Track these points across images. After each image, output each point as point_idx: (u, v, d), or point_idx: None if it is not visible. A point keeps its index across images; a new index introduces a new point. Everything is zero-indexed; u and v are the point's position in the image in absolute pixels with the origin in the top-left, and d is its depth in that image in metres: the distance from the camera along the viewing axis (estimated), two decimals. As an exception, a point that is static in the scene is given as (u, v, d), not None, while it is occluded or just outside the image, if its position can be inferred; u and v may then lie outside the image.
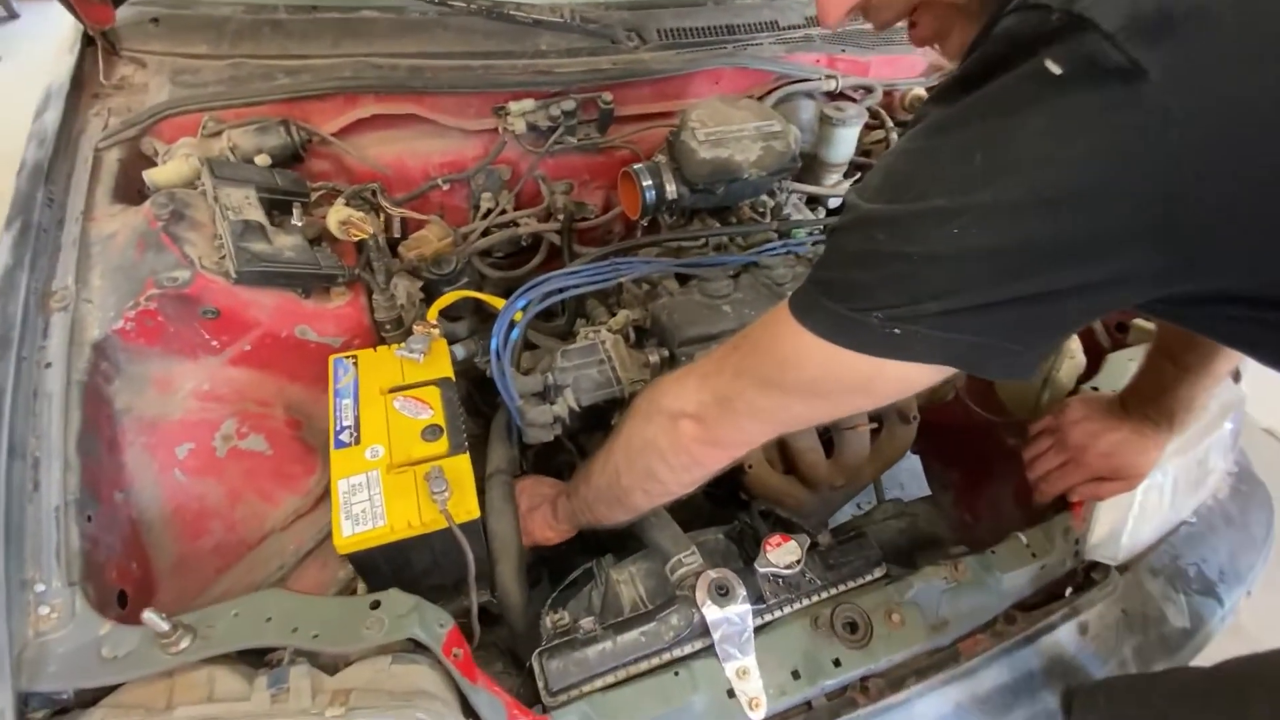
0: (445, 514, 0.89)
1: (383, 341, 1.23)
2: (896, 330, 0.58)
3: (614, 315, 1.29)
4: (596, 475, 0.98)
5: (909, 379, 0.63)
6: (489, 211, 1.48)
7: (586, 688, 0.87)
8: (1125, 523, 1.15)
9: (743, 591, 0.92)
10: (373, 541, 0.89)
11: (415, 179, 1.48)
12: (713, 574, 0.93)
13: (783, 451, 1.31)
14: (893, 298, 0.57)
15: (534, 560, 1.44)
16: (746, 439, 0.82)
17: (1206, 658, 1.12)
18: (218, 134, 1.26)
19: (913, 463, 1.95)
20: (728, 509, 1.45)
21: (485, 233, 1.48)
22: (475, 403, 1.48)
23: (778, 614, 0.97)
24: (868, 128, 1.72)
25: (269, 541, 1.13)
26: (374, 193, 1.35)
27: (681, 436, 0.81)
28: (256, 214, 1.13)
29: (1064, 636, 1.06)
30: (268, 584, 1.10)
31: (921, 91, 1.73)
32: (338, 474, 0.95)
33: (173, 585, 1.05)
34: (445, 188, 1.49)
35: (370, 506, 0.91)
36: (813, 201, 1.65)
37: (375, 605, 0.83)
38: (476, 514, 0.94)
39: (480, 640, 1.35)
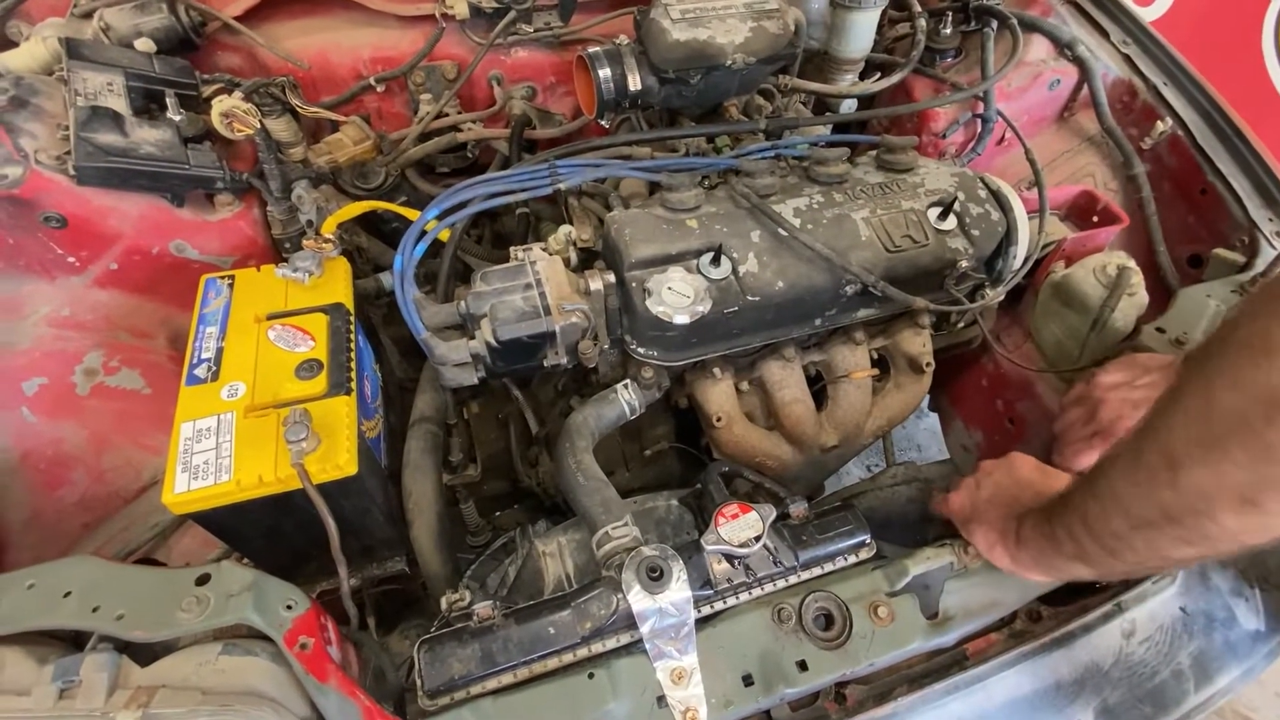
0: (298, 468, 0.70)
1: (284, 262, 1.03)
2: None
3: (566, 236, 1.07)
4: (1119, 475, 0.60)
5: None
6: (426, 115, 1.25)
7: (475, 689, 0.69)
8: (1191, 499, 0.91)
9: (682, 574, 0.72)
10: (212, 501, 0.72)
11: (343, 78, 1.26)
12: (646, 551, 0.73)
13: (765, 402, 1.09)
14: None
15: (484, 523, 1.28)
16: None
17: (1284, 666, 0.90)
18: (90, 14, 1.06)
19: (933, 420, 1.71)
20: (700, 468, 1.25)
21: (422, 141, 1.25)
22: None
23: (730, 602, 0.77)
24: (890, 21, 1.43)
25: (148, 495, 0.97)
26: (283, 88, 1.13)
27: None
28: (117, 103, 0.93)
29: (1104, 640, 0.84)
30: (142, 544, 0.94)
31: (961, -26, 1.42)
32: (183, 415, 0.77)
33: (28, 543, 0.90)
34: (379, 89, 1.27)
35: (215, 457, 0.73)
36: (821, 107, 1.37)
37: (202, 580, 0.66)
38: (352, 469, 0.75)
39: (427, 610, 1.20)
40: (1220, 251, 1.14)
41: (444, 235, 1.03)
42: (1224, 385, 0.50)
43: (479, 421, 1.21)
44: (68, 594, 0.65)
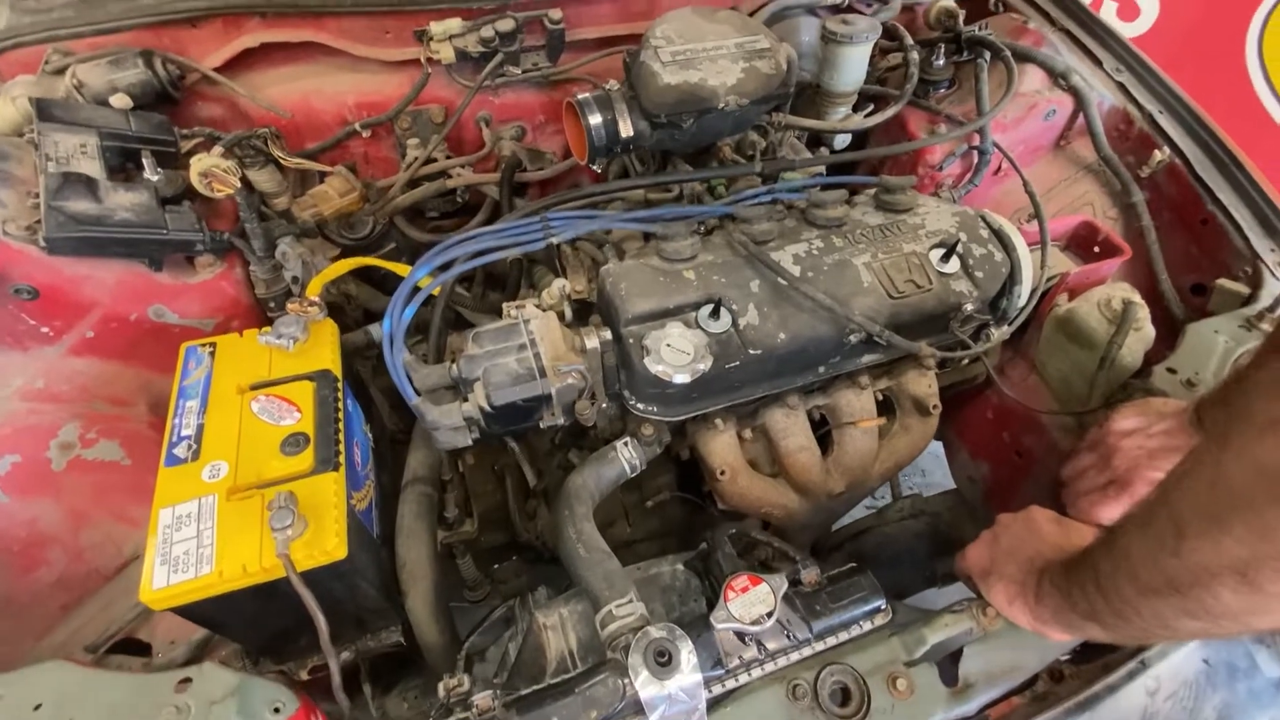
0: (284, 559, 0.66)
1: (269, 324, 1.00)
2: None
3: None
4: (1133, 537, 0.59)
5: None
6: (414, 161, 1.22)
7: (477, 789, 0.65)
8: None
9: (691, 657, 0.68)
10: (193, 595, 0.68)
11: (328, 124, 1.23)
12: (653, 633, 0.69)
13: (770, 450, 1.05)
14: None
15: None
16: None
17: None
18: (63, 70, 1.03)
19: (938, 445, 1.68)
20: (704, 515, 1.22)
21: (412, 187, 1.23)
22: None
23: (743, 679, 0.73)
24: (882, 51, 1.41)
25: (129, 570, 0.93)
26: (265, 140, 1.10)
27: None
28: (90, 166, 0.89)
29: (1129, 700, 0.81)
30: (125, 624, 0.90)
31: (950, 3, 1.41)
32: (161, 500, 0.73)
33: (2, 630, 0.86)
34: (365, 135, 1.24)
35: (196, 546, 0.69)
36: (815, 142, 1.36)
37: (183, 684, 0.62)
38: (341, 553, 0.72)
39: (425, 670, 1.15)
40: (1224, 282, 1.13)
41: (423, 282, 1.00)
42: (1231, 459, 0.50)
43: (474, 474, 1.17)
44: (38, 706, 0.61)
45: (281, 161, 1.11)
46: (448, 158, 1.27)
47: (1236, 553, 0.48)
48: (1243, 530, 0.48)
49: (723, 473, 0.98)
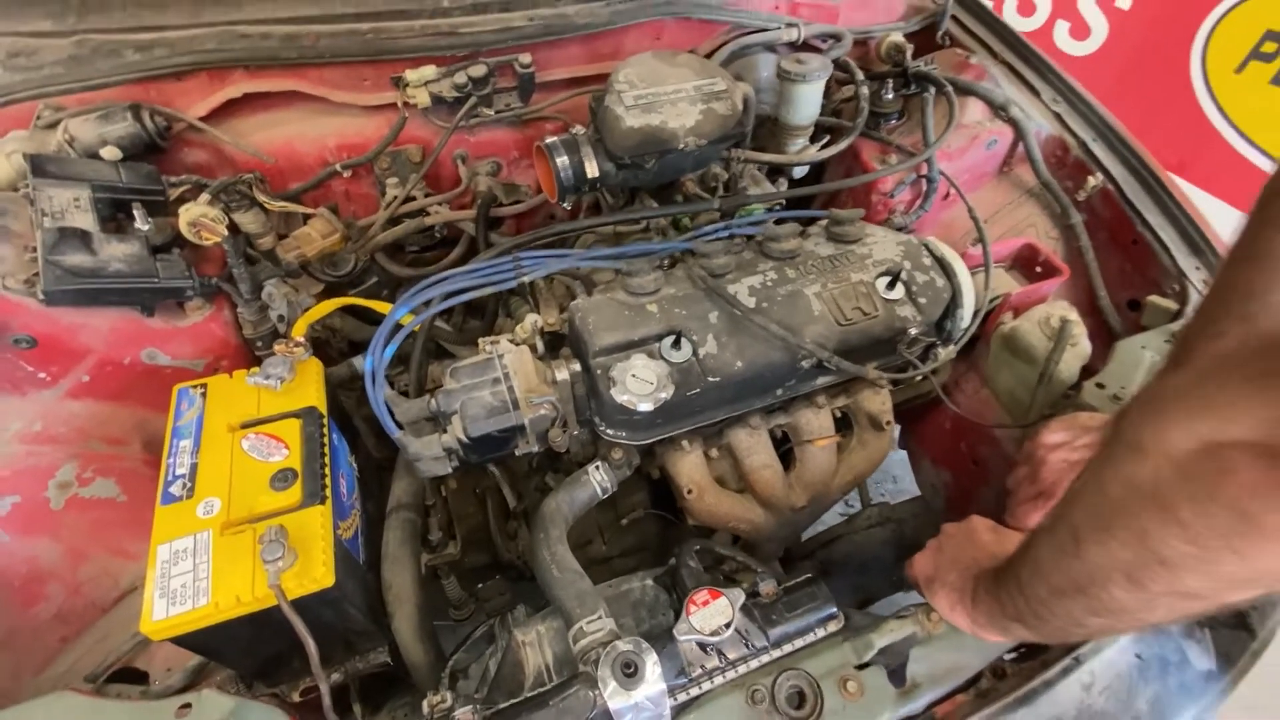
0: (275, 589, 0.71)
1: (257, 363, 1.05)
2: None
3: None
4: (1043, 544, 0.66)
5: None
6: (393, 200, 1.28)
7: (458, 799, 0.70)
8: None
9: (655, 668, 0.74)
10: (191, 625, 0.73)
11: (310, 166, 1.29)
12: (620, 646, 0.75)
13: (735, 468, 1.12)
14: None
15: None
16: None
17: (1238, 701, 0.94)
18: (54, 125, 1.08)
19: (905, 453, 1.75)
20: (677, 531, 1.28)
21: (393, 224, 1.29)
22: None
23: (705, 687, 0.79)
24: (837, 83, 1.50)
25: (126, 602, 0.97)
26: (249, 185, 1.15)
27: (1226, 482, 0.46)
28: (84, 219, 0.95)
29: (1065, 694, 0.87)
30: (123, 653, 0.94)
31: (899, 38, 1.50)
32: (159, 537, 0.78)
33: (3, 664, 0.90)
34: (346, 175, 1.30)
35: (193, 579, 0.74)
36: (775, 173, 1.43)
37: (183, 710, 0.67)
38: (329, 581, 0.77)
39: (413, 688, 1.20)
40: (1154, 299, 1.21)
41: (405, 319, 1.06)
42: (1110, 475, 0.56)
43: (457, 497, 1.23)
44: (47, 736, 0.65)
45: (266, 205, 1.16)
46: (426, 195, 1.33)
47: (1122, 555, 0.55)
48: (1125, 535, 0.54)
49: (690, 491, 1.04)
